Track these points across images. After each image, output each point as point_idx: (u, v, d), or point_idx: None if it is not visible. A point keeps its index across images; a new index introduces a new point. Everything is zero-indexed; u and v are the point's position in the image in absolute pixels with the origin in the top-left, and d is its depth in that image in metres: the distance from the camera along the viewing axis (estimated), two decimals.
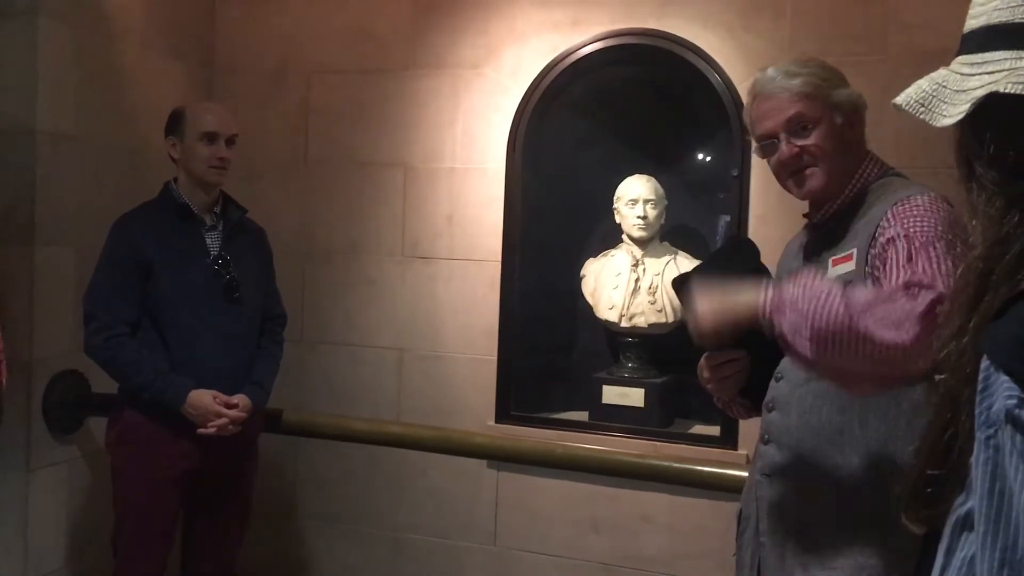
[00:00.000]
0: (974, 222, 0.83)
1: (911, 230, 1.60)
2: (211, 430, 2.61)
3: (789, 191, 1.84)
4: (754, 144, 1.87)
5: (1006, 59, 0.80)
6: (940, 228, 1.59)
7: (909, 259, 1.56)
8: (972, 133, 0.83)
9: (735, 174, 3.05)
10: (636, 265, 3.27)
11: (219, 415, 2.61)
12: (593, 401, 3.30)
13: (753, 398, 1.91)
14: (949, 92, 0.84)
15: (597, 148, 3.54)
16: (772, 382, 1.82)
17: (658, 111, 3.50)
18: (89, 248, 2.78)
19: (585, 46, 3.22)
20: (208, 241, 2.73)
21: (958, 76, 0.84)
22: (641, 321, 3.23)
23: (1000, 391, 0.72)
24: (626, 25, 3.17)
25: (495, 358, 3.34)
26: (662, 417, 3.23)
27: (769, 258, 1.99)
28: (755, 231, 2.96)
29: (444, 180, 3.41)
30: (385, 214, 3.49)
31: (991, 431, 0.72)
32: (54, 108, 2.94)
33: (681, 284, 1.89)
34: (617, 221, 3.31)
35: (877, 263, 1.63)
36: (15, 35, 2.87)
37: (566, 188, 3.52)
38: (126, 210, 2.74)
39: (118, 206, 2.79)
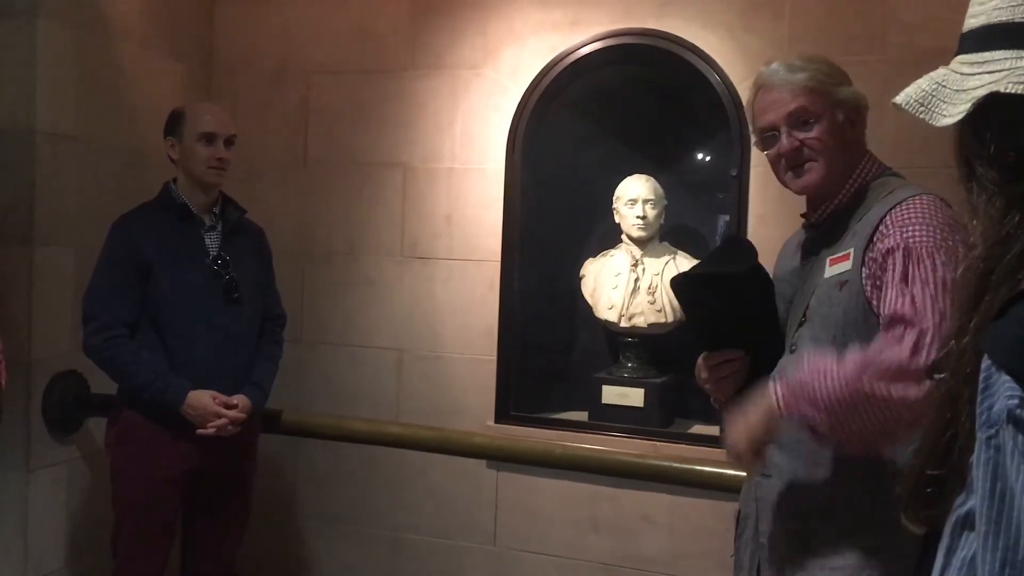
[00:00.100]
0: (974, 222, 0.83)
1: (910, 240, 1.60)
2: (210, 431, 2.60)
3: (785, 185, 1.84)
4: (754, 136, 1.88)
5: (1006, 59, 0.80)
6: (939, 235, 1.60)
7: (904, 278, 1.58)
8: (972, 133, 0.83)
9: (734, 174, 3.05)
10: (635, 265, 3.27)
11: (218, 415, 2.61)
12: (593, 401, 3.30)
13: None
14: (949, 92, 0.84)
15: (596, 148, 3.53)
16: None
17: (657, 111, 3.49)
18: (89, 248, 2.78)
19: (584, 46, 3.22)
20: (207, 242, 2.73)
21: (958, 76, 0.84)
22: (640, 321, 3.23)
23: (1001, 391, 0.72)
24: (625, 25, 3.17)
25: (494, 358, 3.34)
26: (662, 417, 3.23)
27: (769, 258, 1.99)
28: (754, 231, 2.96)
29: (443, 180, 3.41)
30: (384, 214, 3.49)
31: (992, 431, 0.72)
32: (53, 108, 2.94)
33: (679, 284, 1.89)
34: (616, 221, 3.31)
35: (877, 271, 1.64)
36: (14, 36, 2.87)
37: (565, 188, 3.52)
38: (125, 210, 2.74)
39: (117, 206, 2.79)
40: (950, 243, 1.57)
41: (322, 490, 3.58)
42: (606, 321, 3.31)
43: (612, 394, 3.26)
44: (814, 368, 1.57)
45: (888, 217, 1.66)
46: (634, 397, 3.23)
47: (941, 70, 0.87)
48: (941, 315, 1.51)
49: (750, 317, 1.87)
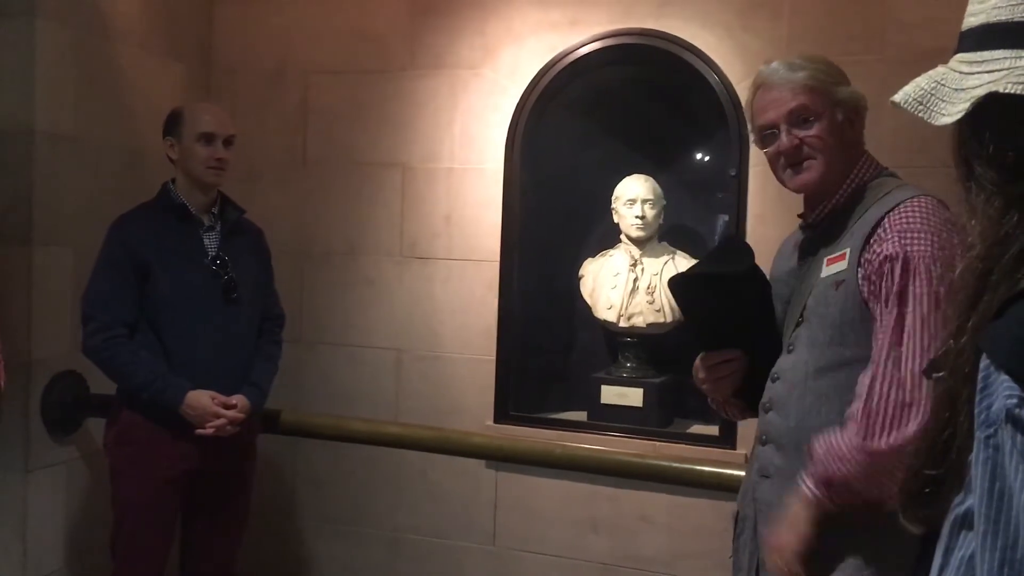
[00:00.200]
0: (973, 222, 0.82)
1: (909, 249, 1.61)
2: (209, 431, 2.60)
3: (783, 183, 1.84)
4: (753, 135, 1.88)
5: (1005, 58, 0.80)
6: (938, 243, 1.61)
7: (900, 296, 1.60)
8: (971, 132, 0.83)
9: (733, 174, 3.05)
10: (634, 265, 3.27)
11: (217, 416, 2.61)
12: (592, 401, 3.30)
13: (747, 398, 1.90)
14: (948, 91, 0.84)
15: (595, 148, 3.53)
16: (768, 382, 1.82)
17: (656, 111, 3.49)
18: (87, 248, 2.78)
19: (583, 46, 3.22)
20: (206, 242, 2.73)
21: (957, 74, 0.84)
22: (639, 321, 3.23)
23: (1000, 391, 0.72)
24: (624, 25, 3.17)
25: (493, 358, 3.34)
26: (661, 417, 3.23)
27: (767, 257, 1.99)
28: (753, 230, 2.97)
29: (442, 180, 3.41)
30: (383, 214, 3.49)
31: (991, 431, 0.72)
32: (52, 108, 2.94)
33: (677, 284, 1.89)
34: (615, 221, 3.31)
35: (873, 274, 1.65)
36: (13, 36, 2.87)
37: (564, 188, 3.52)
38: (124, 210, 2.74)
39: (116, 206, 2.79)
40: (947, 251, 1.59)
41: (321, 490, 3.58)
42: (605, 321, 3.31)
43: (611, 394, 3.26)
44: (831, 450, 1.62)
45: (887, 220, 1.67)
46: (633, 397, 3.23)
47: (940, 68, 0.87)
48: (931, 338, 1.55)
49: (748, 317, 1.88)
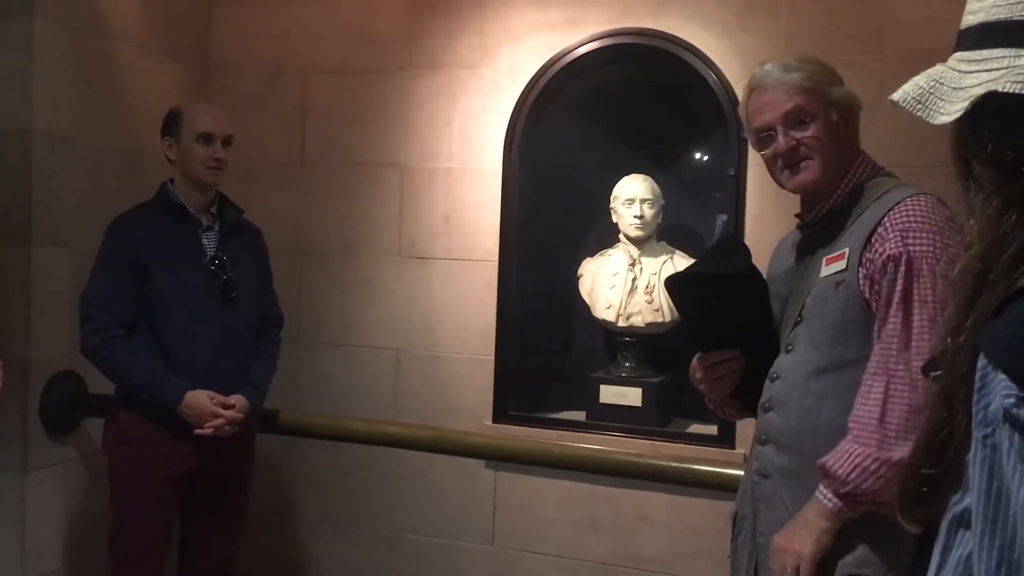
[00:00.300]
0: (971, 221, 0.82)
1: (912, 249, 1.61)
2: (208, 431, 2.60)
3: (781, 184, 1.84)
4: (749, 137, 1.88)
5: (1004, 57, 0.80)
6: (941, 242, 1.61)
7: (905, 298, 1.60)
8: (970, 131, 0.82)
9: (732, 173, 3.05)
10: (633, 265, 3.27)
11: (216, 416, 2.61)
12: (591, 401, 3.30)
13: (745, 398, 1.90)
14: (946, 89, 0.83)
15: (594, 148, 3.53)
16: (767, 382, 1.82)
17: (655, 110, 3.49)
18: (86, 248, 2.77)
19: (581, 46, 3.21)
20: (204, 242, 2.73)
21: (955, 73, 0.84)
22: (638, 320, 3.23)
23: (998, 390, 0.72)
24: (622, 25, 3.17)
25: (492, 358, 3.33)
26: (659, 416, 3.23)
27: (766, 257, 1.99)
28: (752, 230, 2.97)
29: (441, 180, 3.41)
30: (382, 214, 3.49)
31: (988, 430, 0.72)
32: (50, 109, 2.93)
33: (675, 284, 1.89)
34: (614, 220, 3.31)
35: (875, 273, 1.65)
36: (11, 36, 2.87)
37: (563, 188, 3.52)
38: (123, 210, 2.73)
39: (115, 206, 2.79)
40: (951, 249, 1.59)
41: (320, 490, 3.58)
42: (604, 321, 3.31)
43: (610, 393, 3.26)
44: (848, 461, 1.61)
45: (887, 219, 1.67)
46: (632, 396, 3.23)
47: (939, 67, 0.86)
48: (939, 339, 1.55)
49: (746, 317, 1.88)
